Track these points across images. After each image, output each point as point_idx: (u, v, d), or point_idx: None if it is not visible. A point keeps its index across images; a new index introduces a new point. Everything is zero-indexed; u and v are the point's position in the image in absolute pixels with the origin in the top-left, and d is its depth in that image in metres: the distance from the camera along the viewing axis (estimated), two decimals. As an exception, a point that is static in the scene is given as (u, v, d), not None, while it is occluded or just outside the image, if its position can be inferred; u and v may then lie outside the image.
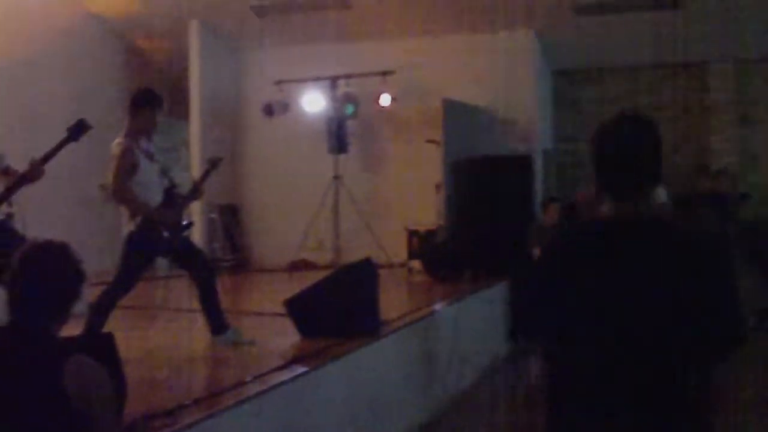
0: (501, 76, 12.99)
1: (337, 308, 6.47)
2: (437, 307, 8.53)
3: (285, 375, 5.20)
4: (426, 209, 12.63)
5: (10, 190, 5.15)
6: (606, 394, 2.74)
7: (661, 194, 10.66)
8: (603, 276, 2.73)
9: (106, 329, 5.66)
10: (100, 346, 3.87)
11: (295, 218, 13.04)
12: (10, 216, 5.44)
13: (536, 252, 10.31)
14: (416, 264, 11.68)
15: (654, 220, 2.84)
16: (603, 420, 2.73)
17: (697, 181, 12.39)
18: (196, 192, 6.55)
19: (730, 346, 2.79)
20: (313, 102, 13.37)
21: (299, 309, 6.61)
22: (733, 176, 12.68)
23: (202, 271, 6.36)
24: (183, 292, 8.57)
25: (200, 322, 6.47)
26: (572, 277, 2.79)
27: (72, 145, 5.24)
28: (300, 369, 5.40)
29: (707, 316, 2.68)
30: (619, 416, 2.71)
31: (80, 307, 3.51)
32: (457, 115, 12.34)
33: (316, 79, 13.21)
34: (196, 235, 12.65)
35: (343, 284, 6.68)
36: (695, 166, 13.06)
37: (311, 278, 7.05)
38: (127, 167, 5.93)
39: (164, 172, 6.35)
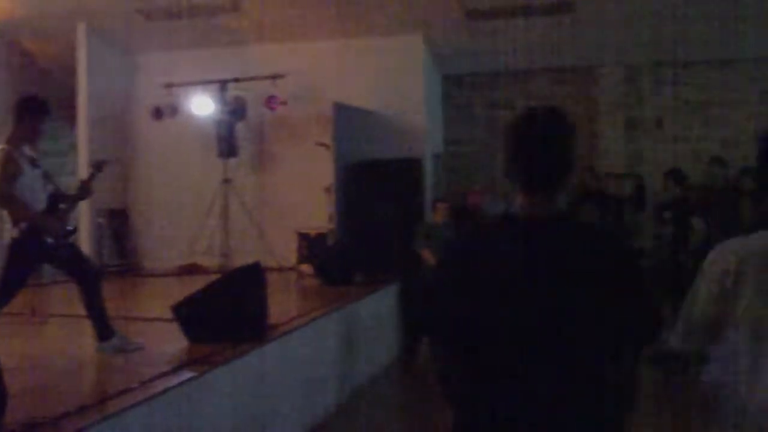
0: (391, 80, 13.13)
1: (225, 313, 6.47)
2: (327, 310, 8.58)
3: (172, 380, 5.20)
4: (316, 213, 12.67)
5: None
6: (516, 394, 2.71)
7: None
8: (513, 274, 2.69)
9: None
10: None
11: (184, 222, 12.97)
12: None
13: (425, 252, 10.47)
14: (306, 267, 11.70)
15: (565, 216, 2.82)
16: (514, 422, 2.72)
17: (585, 183, 12.65)
18: (83, 192, 6.47)
19: (647, 342, 2.83)
20: (203, 105, 13.28)
21: (187, 314, 6.59)
22: (619, 178, 12.99)
23: (87, 277, 6.29)
24: (68, 298, 8.45)
25: (87, 328, 6.41)
26: (480, 274, 2.74)
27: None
28: (187, 374, 5.40)
29: (626, 314, 2.70)
30: (531, 417, 2.70)
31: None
32: (347, 119, 12.42)
33: (206, 82, 13.14)
34: (84, 240, 12.49)
35: (231, 289, 6.68)
36: (583, 167, 13.31)
37: (201, 282, 7.01)
38: (9, 173, 5.85)
39: (48, 178, 6.27)
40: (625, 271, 2.77)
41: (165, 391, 4.98)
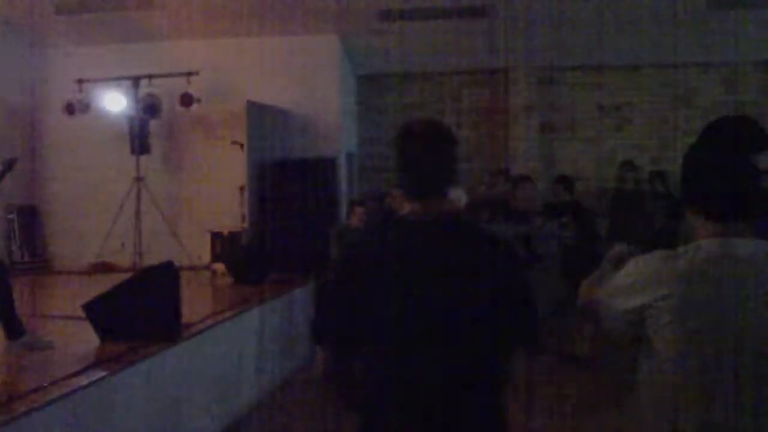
0: (306, 79, 13.16)
1: (137, 311, 6.44)
2: (240, 309, 8.58)
3: (84, 379, 5.18)
4: (230, 212, 12.64)
5: None
6: (408, 390, 2.83)
7: (461, 197, 11.03)
8: (402, 274, 2.83)
9: None
10: None
11: (96, 219, 12.80)
12: None
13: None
14: (220, 267, 11.66)
15: (453, 219, 2.98)
16: (408, 417, 2.83)
17: (496, 186, 12.78)
18: None
19: (526, 342, 3.01)
20: (115, 102, 13.12)
21: (99, 312, 6.54)
22: (533, 181, 13.14)
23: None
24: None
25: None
26: (372, 276, 2.88)
27: None
28: (99, 373, 5.38)
29: (508, 314, 2.85)
30: (423, 413, 2.82)
31: None
32: (261, 118, 12.41)
33: (118, 78, 12.99)
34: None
35: (144, 287, 6.64)
36: (494, 170, 13.46)
37: (113, 281, 6.97)
38: None
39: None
40: (507, 271, 2.94)
41: (76, 390, 4.96)
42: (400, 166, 3.00)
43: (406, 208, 3.00)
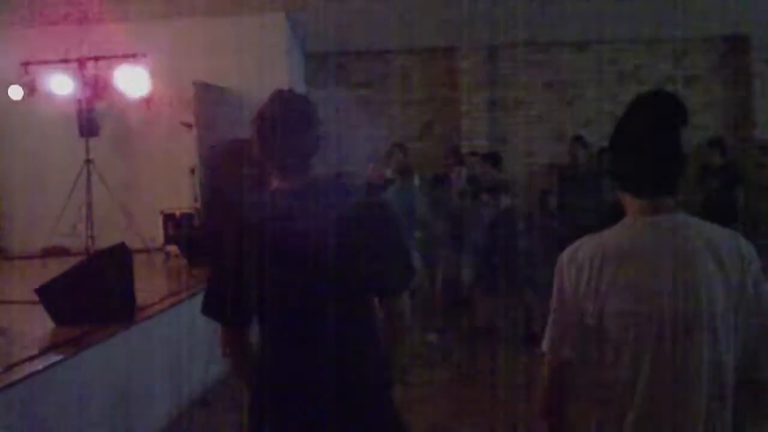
0: (253, 59, 13.08)
1: (91, 295, 6.46)
2: (195, 290, 8.59)
3: (38, 364, 5.19)
4: (182, 193, 12.57)
5: None
6: (293, 352, 3.00)
7: (414, 179, 11.11)
8: (276, 240, 2.95)
9: None
10: None
11: (46, 203, 12.68)
12: None
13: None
14: (174, 248, 11.63)
15: (317, 185, 3.10)
16: (300, 372, 3.00)
17: (448, 165, 12.86)
18: None
19: (402, 288, 3.17)
20: (62, 84, 12.99)
21: (52, 296, 6.55)
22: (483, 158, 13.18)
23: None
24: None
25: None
26: (248, 246, 3.00)
27: None
28: (54, 357, 5.39)
29: (381, 263, 3.03)
30: (311, 365, 2.98)
31: None
32: (210, 98, 12.36)
33: (65, 61, 12.86)
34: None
35: (96, 270, 6.65)
36: (445, 149, 13.50)
37: (65, 264, 6.95)
38: None
39: None
40: (377, 224, 3.08)
41: (31, 374, 4.97)
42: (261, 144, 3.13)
43: (274, 181, 3.15)
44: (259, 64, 13.02)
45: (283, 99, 3.10)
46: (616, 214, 2.84)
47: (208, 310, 3.25)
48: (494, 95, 14.98)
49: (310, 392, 2.95)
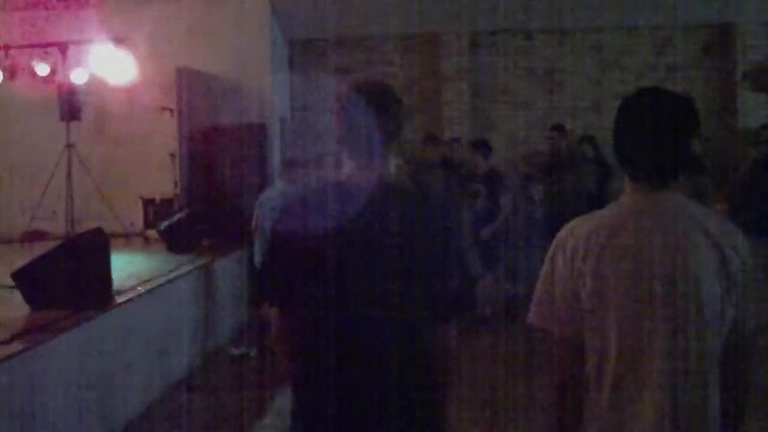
0: (236, 44, 13.04)
1: (68, 279, 6.45)
2: (173, 276, 8.60)
3: (13, 348, 5.19)
4: (162, 178, 12.55)
5: None
6: (340, 353, 2.81)
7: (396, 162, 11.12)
8: (337, 235, 2.81)
9: None
10: None
11: (27, 187, 12.65)
12: None
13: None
14: (153, 233, 11.63)
15: (388, 182, 2.97)
16: (339, 381, 2.82)
17: (427, 150, 12.88)
18: None
19: (457, 311, 2.98)
20: (43, 68, 12.94)
21: (28, 280, 6.54)
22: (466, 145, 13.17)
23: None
24: None
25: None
26: (305, 236, 2.83)
27: None
28: (30, 342, 5.39)
29: (437, 280, 2.85)
30: (353, 377, 2.82)
31: None
32: (192, 84, 12.35)
33: (47, 45, 12.81)
34: None
35: (73, 254, 6.64)
36: (425, 135, 13.52)
37: (45, 249, 6.94)
38: None
39: None
40: (441, 235, 2.93)
41: (7, 358, 4.96)
42: (342, 125, 2.98)
43: (345, 167, 2.98)
44: (242, 50, 13.00)
45: (369, 84, 3.04)
46: (597, 202, 2.87)
47: (271, 294, 3.05)
48: (476, 83, 14.96)
49: (353, 400, 2.83)
